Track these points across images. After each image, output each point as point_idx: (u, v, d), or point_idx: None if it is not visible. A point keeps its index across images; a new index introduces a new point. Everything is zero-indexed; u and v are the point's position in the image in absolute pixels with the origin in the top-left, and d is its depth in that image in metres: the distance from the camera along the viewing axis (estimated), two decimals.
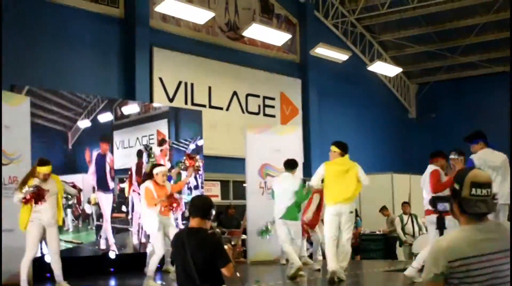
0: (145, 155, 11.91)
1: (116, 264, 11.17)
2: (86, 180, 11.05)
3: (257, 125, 15.45)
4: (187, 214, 5.38)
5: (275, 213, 9.94)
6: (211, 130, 16.12)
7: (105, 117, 11.62)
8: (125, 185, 11.65)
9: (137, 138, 11.98)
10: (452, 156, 8.31)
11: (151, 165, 10.05)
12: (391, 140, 23.28)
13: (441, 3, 19.64)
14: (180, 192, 11.44)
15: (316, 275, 10.01)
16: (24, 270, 8.23)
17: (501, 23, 20.66)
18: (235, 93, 17.75)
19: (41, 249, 9.02)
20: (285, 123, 18.74)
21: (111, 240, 11.26)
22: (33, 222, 8.24)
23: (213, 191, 16.32)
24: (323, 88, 20.20)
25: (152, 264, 8.91)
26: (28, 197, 7.97)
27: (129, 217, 11.63)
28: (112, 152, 11.55)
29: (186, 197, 12.09)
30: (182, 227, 10.83)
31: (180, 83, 16.27)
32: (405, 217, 14.55)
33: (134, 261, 11.17)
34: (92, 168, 11.15)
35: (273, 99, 18.90)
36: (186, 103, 16.14)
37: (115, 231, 11.39)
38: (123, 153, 11.73)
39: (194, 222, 5.13)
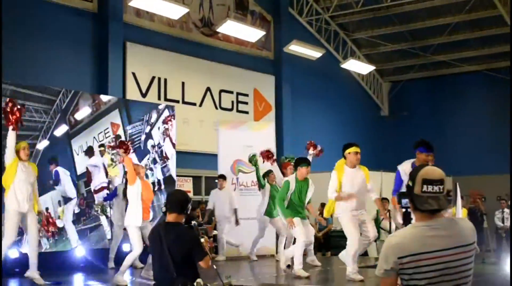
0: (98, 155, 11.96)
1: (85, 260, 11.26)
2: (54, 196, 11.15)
3: (230, 121, 15.61)
4: (163, 209, 5.49)
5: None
6: (184, 126, 16.26)
7: (60, 131, 11.49)
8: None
9: (94, 137, 11.97)
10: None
11: None
12: (363, 137, 23.45)
13: (414, 2, 19.99)
14: None
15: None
16: None
17: (473, 23, 21.11)
18: (208, 89, 17.89)
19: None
20: (258, 119, 18.94)
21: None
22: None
23: (185, 186, 16.41)
24: (296, 85, 20.43)
25: (127, 260, 8.95)
26: None
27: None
28: (73, 159, 11.57)
29: None
30: None
31: (153, 78, 16.37)
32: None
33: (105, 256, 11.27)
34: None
35: (246, 95, 19.10)
36: (159, 98, 16.24)
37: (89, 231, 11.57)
38: (84, 158, 11.77)
39: (171, 217, 5.27)
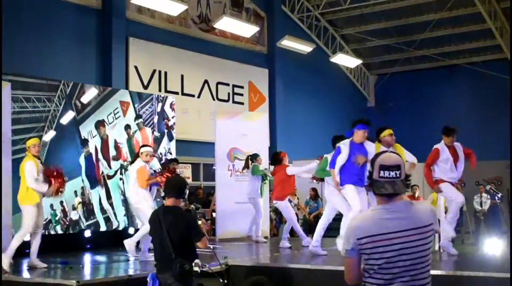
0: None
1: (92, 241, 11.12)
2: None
3: (226, 112, 15.56)
4: (162, 194, 5.48)
5: None
6: (183, 116, 16.22)
7: (67, 118, 10.84)
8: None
9: (103, 120, 11.46)
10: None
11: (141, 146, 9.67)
12: (351, 127, 23.55)
13: (399, 0, 19.97)
14: None
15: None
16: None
17: (454, 20, 21.11)
18: (206, 82, 17.85)
19: None
20: (253, 110, 18.91)
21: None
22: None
23: (185, 173, 16.41)
24: (288, 77, 20.40)
25: (137, 235, 8.84)
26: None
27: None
28: (83, 144, 11.05)
29: None
30: None
31: (154, 71, 16.31)
32: None
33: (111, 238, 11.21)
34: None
35: (241, 87, 19.07)
36: (160, 90, 16.18)
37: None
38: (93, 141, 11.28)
39: (169, 202, 5.27)
